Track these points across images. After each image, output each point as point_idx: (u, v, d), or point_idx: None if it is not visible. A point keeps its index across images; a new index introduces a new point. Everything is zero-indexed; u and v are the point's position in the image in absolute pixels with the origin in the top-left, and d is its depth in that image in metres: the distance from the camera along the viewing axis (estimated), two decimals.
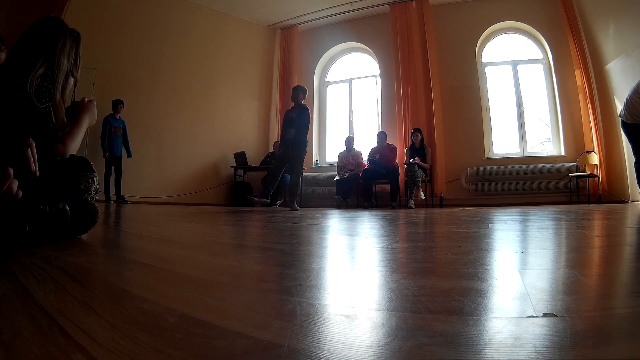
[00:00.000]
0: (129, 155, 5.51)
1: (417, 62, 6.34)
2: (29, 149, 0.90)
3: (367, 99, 7.35)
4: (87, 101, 1.35)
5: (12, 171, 0.85)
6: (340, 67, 7.64)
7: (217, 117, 6.83)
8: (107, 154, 5.23)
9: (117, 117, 5.40)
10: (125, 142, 5.48)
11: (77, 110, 1.33)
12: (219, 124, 6.84)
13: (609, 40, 5.17)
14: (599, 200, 5.31)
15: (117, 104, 5.35)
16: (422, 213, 3.58)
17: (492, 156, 6.16)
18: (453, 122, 6.13)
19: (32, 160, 0.91)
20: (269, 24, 7.44)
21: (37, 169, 0.92)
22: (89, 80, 5.16)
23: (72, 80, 1.28)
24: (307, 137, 4.59)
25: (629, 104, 3.64)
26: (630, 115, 3.65)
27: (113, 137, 5.33)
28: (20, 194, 0.90)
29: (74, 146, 1.24)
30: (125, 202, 5.32)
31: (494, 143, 6.26)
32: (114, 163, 5.36)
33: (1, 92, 1.06)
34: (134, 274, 0.77)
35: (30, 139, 0.91)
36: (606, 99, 5.27)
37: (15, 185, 0.87)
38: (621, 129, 4.01)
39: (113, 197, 5.32)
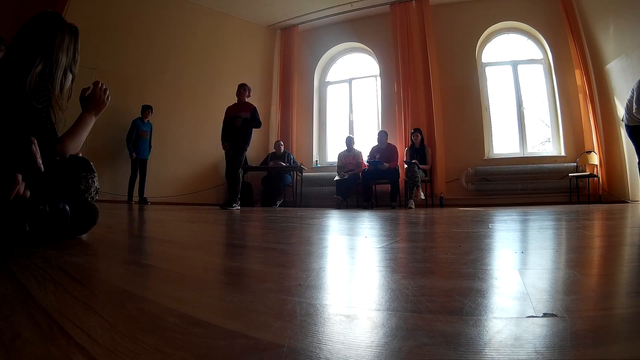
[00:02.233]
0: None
1: (417, 62, 6.34)
2: (33, 145, 0.91)
3: (367, 99, 7.35)
4: (93, 88, 1.33)
5: (20, 177, 0.86)
6: (340, 67, 7.64)
7: (217, 117, 6.80)
8: (134, 154, 5.41)
9: (145, 121, 5.58)
10: (150, 142, 5.68)
11: (85, 104, 1.31)
12: (219, 123, 6.81)
13: (609, 41, 5.18)
14: (599, 200, 5.31)
15: (146, 109, 5.57)
16: (422, 213, 3.58)
17: (492, 156, 6.16)
18: (453, 122, 6.13)
19: (38, 156, 0.92)
20: (269, 24, 7.44)
21: (42, 165, 0.93)
22: (89, 80, 5.12)
23: (70, 76, 1.27)
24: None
25: (628, 108, 3.83)
26: (631, 118, 3.82)
27: (140, 141, 5.48)
28: (28, 193, 0.91)
29: (75, 146, 1.23)
30: (147, 203, 5.47)
31: (494, 143, 6.27)
32: (139, 165, 5.50)
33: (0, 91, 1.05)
34: (134, 274, 0.77)
35: (32, 137, 0.92)
36: (606, 99, 5.27)
37: (23, 187, 0.89)
38: (625, 132, 4.15)
39: (135, 198, 5.44)
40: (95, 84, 1.33)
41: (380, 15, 6.79)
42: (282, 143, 6.67)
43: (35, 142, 0.92)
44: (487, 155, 6.13)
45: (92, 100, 1.31)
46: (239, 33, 7.11)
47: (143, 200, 5.50)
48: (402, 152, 6.05)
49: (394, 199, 5.44)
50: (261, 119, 7.43)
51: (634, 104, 3.79)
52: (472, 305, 0.48)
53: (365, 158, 6.08)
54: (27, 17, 1.22)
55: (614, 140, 5.20)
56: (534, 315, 0.43)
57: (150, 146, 5.67)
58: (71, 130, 1.25)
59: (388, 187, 5.59)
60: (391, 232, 1.69)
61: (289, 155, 6.59)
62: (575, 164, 5.54)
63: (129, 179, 5.43)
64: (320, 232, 1.72)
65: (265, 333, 0.39)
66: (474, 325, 0.40)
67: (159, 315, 0.45)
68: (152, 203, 5.55)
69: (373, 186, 5.78)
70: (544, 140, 6.26)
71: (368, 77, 7.34)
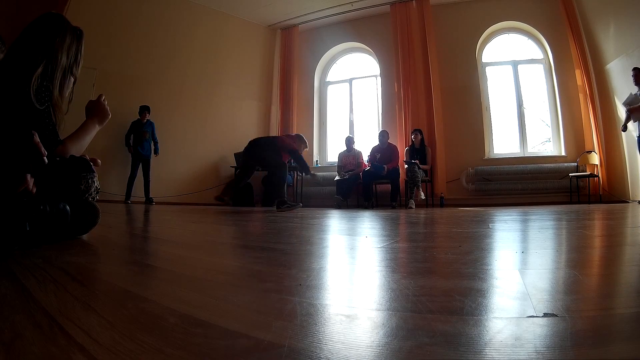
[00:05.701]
0: (155, 151, 5.64)
1: (418, 62, 6.34)
2: (35, 136, 0.92)
3: (367, 98, 7.35)
4: (97, 99, 1.35)
5: (29, 176, 0.88)
6: (341, 67, 7.64)
7: (218, 117, 6.84)
8: (132, 150, 5.42)
9: (144, 121, 5.55)
10: (155, 142, 5.65)
11: (89, 112, 1.33)
12: (220, 124, 6.85)
13: (609, 40, 5.17)
14: (599, 200, 5.31)
15: (143, 110, 5.53)
16: (422, 213, 3.58)
17: (492, 156, 6.15)
18: (453, 122, 6.13)
19: (42, 146, 0.93)
20: (269, 24, 7.44)
21: (45, 157, 0.94)
22: (89, 81, 5.17)
23: (71, 79, 1.27)
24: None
25: None
26: None
27: (141, 141, 5.45)
28: (35, 189, 0.92)
29: (76, 149, 1.23)
30: (152, 203, 5.46)
31: (494, 143, 6.26)
32: (142, 165, 5.49)
33: (1, 92, 1.05)
34: (134, 274, 0.77)
35: (33, 131, 0.93)
36: (606, 99, 5.27)
37: (32, 183, 0.90)
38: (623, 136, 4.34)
39: (134, 198, 5.42)
40: (100, 96, 1.37)
41: (380, 15, 6.79)
42: None
43: (37, 134, 0.93)
44: (488, 155, 6.13)
45: (95, 110, 1.33)
46: (239, 33, 7.11)
47: (149, 200, 5.48)
48: (402, 152, 6.05)
49: (394, 199, 5.44)
50: (261, 118, 7.50)
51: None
52: (472, 305, 0.48)
53: (365, 158, 6.08)
54: (27, 18, 1.22)
55: (615, 140, 5.20)
56: (535, 315, 0.43)
57: (155, 145, 5.62)
58: (74, 134, 1.25)
59: (388, 187, 5.59)
60: (391, 232, 1.69)
61: None
62: (575, 163, 5.53)
63: (127, 179, 5.41)
64: (321, 232, 1.72)
65: (265, 333, 0.39)
66: (475, 325, 0.40)
67: (159, 315, 0.45)
68: (155, 203, 5.56)
69: (373, 186, 5.77)
70: (544, 140, 6.25)
71: (368, 77, 7.34)
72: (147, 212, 3.51)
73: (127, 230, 1.84)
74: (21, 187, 0.89)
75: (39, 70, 1.11)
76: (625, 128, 4.52)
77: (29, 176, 0.90)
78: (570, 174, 5.43)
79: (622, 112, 4.72)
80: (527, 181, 5.67)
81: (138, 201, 5.46)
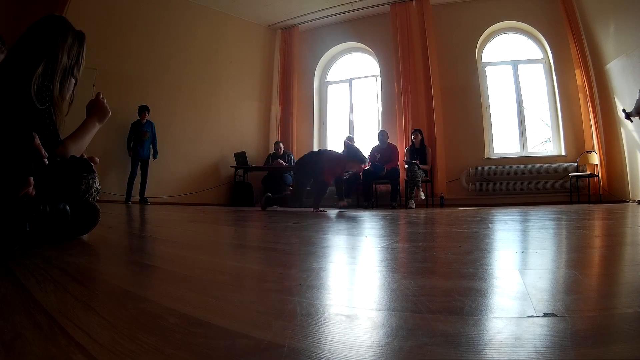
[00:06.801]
0: (154, 155, 5.66)
1: (417, 62, 6.34)
2: (35, 139, 0.92)
3: (367, 98, 7.35)
4: (96, 97, 1.35)
5: (32, 179, 0.88)
6: (341, 67, 7.64)
7: (218, 117, 6.84)
8: (132, 152, 5.46)
9: (144, 121, 5.56)
10: (154, 143, 5.66)
11: (88, 111, 1.33)
12: (219, 124, 6.85)
13: (609, 40, 5.18)
14: (599, 200, 5.31)
15: (142, 110, 5.55)
16: (422, 213, 3.58)
17: (492, 156, 6.16)
18: (453, 122, 6.13)
19: (42, 149, 0.93)
20: (269, 24, 7.44)
21: (46, 159, 0.94)
22: (89, 81, 5.17)
23: (72, 80, 1.27)
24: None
25: None
26: None
27: (141, 141, 5.48)
28: (34, 192, 0.92)
29: (76, 149, 1.23)
30: (147, 202, 5.50)
31: (494, 143, 6.27)
32: (140, 166, 5.52)
33: (1, 91, 1.05)
34: (134, 274, 0.77)
35: (34, 132, 0.93)
36: (606, 98, 5.27)
37: (32, 187, 0.90)
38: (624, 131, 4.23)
39: (134, 199, 5.45)
40: (98, 94, 1.37)
41: (380, 15, 6.79)
42: (281, 145, 6.67)
43: (37, 136, 0.93)
44: (488, 155, 6.13)
45: (95, 108, 1.33)
46: (239, 33, 7.12)
47: (143, 200, 5.52)
48: (402, 152, 6.05)
49: (394, 199, 5.44)
50: (262, 119, 7.49)
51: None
52: (472, 305, 0.48)
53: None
54: (27, 18, 1.22)
55: (615, 140, 5.20)
56: (535, 315, 0.43)
57: (153, 147, 5.64)
58: (74, 134, 1.25)
59: (388, 187, 5.59)
60: (391, 232, 1.69)
61: (289, 155, 6.60)
62: (575, 163, 5.53)
63: (127, 180, 5.44)
64: (321, 232, 1.72)
65: (265, 333, 0.39)
66: (475, 325, 0.40)
67: (159, 315, 0.45)
68: (153, 203, 5.56)
69: (373, 186, 5.77)
70: (544, 140, 6.26)
71: (368, 77, 7.34)
72: (147, 212, 3.51)
73: (127, 230, 1.84)
74: (23, 190, 0.89)
75: (40, 69, 1.11)
76: (628, 116, 4.37)
77: (31, 179, 0.90)
78: (570, 174, 5.43)
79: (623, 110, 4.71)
80: (527, 181, 5.67)
81: (137, 201, 5.47)
